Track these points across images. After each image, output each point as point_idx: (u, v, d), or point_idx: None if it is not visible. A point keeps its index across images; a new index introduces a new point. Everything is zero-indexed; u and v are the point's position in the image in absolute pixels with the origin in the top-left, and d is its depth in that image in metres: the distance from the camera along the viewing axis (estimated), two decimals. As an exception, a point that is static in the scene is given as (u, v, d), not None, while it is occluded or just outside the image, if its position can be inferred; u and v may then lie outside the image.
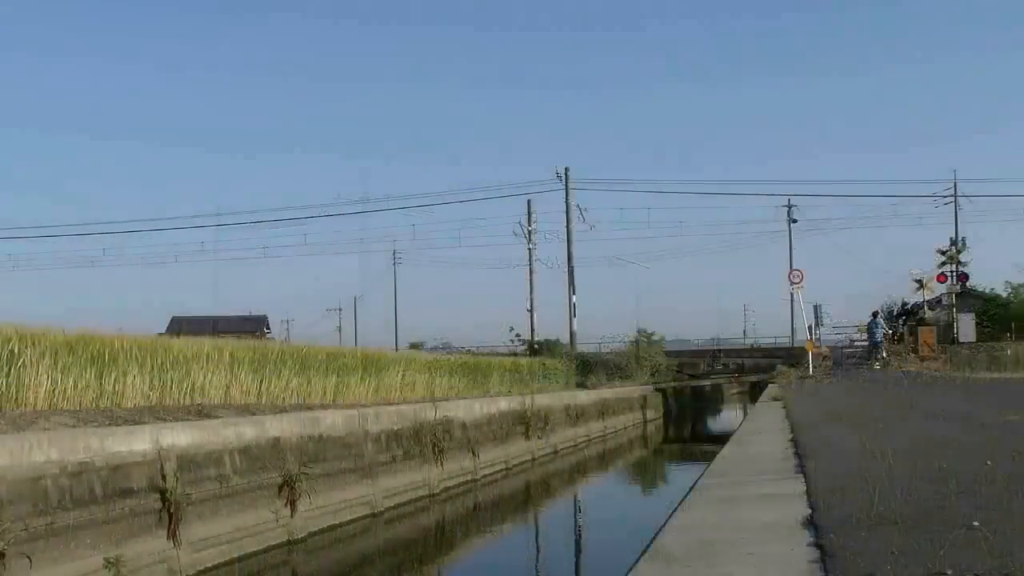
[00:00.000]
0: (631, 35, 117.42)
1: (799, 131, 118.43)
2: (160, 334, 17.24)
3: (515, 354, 38.81)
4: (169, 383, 12.15)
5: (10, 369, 9.64)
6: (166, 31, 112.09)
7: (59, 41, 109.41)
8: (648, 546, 4.55)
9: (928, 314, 41.62)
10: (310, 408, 14.13)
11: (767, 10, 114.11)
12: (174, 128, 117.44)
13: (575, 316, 42.33)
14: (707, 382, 46.22)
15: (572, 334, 42.18)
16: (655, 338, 43.02)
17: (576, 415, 27.81)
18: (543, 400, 24.59)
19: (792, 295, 35.40)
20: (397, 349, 44.01)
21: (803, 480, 6.48)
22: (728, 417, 43.26)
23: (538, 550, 14.03)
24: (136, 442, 9.08)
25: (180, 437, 9.80)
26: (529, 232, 45.91)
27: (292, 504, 11.38)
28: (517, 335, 43.80)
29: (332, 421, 13.17)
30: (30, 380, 9.85)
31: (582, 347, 44.39)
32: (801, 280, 33.78)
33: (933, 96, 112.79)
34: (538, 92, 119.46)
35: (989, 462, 6.76)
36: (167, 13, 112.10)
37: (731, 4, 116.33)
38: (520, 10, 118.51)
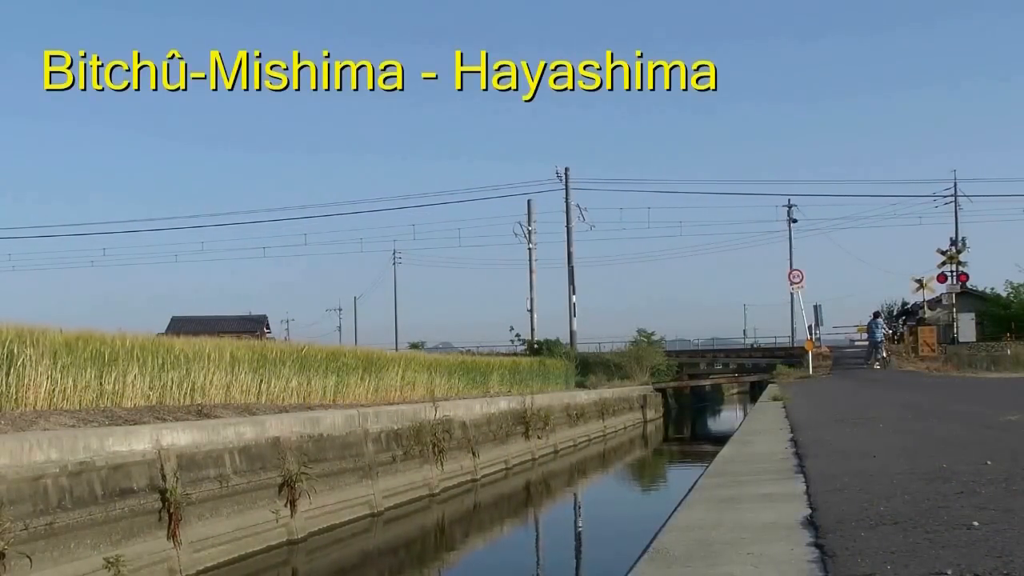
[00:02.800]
0: (631, 35, 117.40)
1: (800, 134, 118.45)
2: (160, 334, 17.23)
3: (515, 354, 38.79)
4: (169, 383, 12.15)
5: (10, 369, 9.64)
6: (167, 32, 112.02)
7: (57, 34, 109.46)
8: (648, 546, 4.55)
9: (928, 314, 41.64)
10: (310, 408, 14.14)
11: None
12: (174, 127, 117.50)
13: (575, 316, 42.36)
14: (707, 382, 46.18)
15: (572, 334, 42.19)
16: (655, 338, 43.01)
17: (576, 415, 27.79)
18: (543, 400, 24.57)
19: (792, 295, 35.45)
20: (397, 349, 44.02)
21: (803, 480, 6.48)
22: (728, 417, 43.25)
23: (538, 550, 14.03)
24: (136, 442, 9.08)
25: (180, 437, 9.80)
26: (529, 232, 45.93)
27: (292, 504, 11.38)
28: (517, 335, 43.81)
29: (332, 421, 13.16)
30: (30, 380, 9.85)
31: (582, 347, 44.45)
32: (801, 280, 33.81)
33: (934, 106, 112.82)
34: (538, 91, 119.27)
35: (989, 462, 6.77)
36: (168, 14, 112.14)
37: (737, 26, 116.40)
38: (521, 10, 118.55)
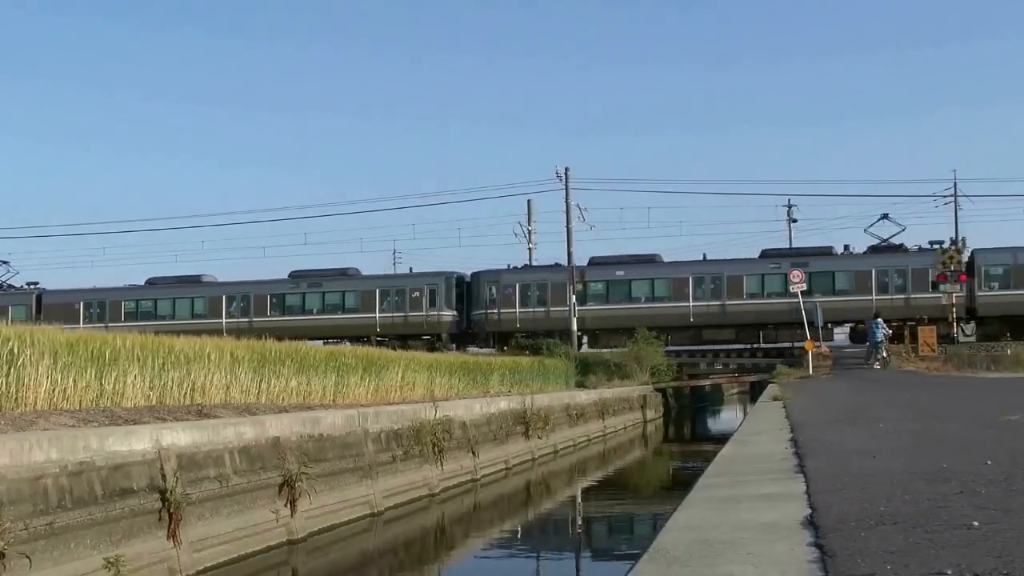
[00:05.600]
0: (632, 33, 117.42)
1: (800, 134, 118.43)
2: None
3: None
4: (169, 383, 12.15)
5: (10, 369, 9.64)
6: (169, 36, 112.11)
7: (57, 34, 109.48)
8: (648, 546, 4.55)
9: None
10: (310, 408, 14.14)
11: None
12: (175, 127, 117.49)
13: (575, 316, 42.34)
14: (707, 382, 46.17)
15: (572, 334, 42.19)
16: (654, 338, 42.97)
17: (576, 415, 27.79)
18: (543, 400, 24.57)
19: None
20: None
21: (803, 480, 6.48)
22: (728, 417, 43.28)
23: (539, 550, 14.03)
24: (136, 442, 9.08)
25: (180, 437, 9.80)
26: (529, 232, 46.00)
27: (292, 504, 11.38)
28: (518, 335, 43.75)
29: (332, 421, 13.16)
30: (30, 380, 9.85)
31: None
32: (801, 280, 33.82)
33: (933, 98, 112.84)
34: (539, 92, 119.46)
35: (989, 462, 6.77)
36: (175, 20, 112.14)
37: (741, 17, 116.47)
38: (521, 10, 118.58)
